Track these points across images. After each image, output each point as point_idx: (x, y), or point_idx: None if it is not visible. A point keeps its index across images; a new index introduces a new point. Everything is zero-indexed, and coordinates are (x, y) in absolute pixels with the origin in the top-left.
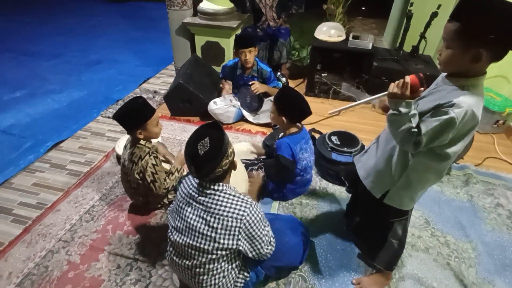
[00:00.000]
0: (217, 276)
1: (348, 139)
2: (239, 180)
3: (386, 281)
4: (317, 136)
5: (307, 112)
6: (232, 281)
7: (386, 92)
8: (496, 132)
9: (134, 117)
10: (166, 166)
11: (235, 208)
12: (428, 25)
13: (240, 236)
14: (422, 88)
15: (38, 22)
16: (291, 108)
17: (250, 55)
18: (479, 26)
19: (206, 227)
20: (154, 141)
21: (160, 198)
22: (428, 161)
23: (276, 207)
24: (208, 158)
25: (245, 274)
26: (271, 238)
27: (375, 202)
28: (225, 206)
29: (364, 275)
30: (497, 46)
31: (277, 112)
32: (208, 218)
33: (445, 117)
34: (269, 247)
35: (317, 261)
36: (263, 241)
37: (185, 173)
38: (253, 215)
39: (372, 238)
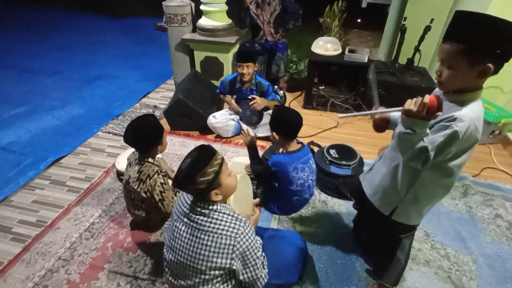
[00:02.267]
0: None
1: (346, 152)
2: (247, 193)
3: None
4: (315, 148)
5: (296, 128)
6: None
7: (401, 108)
8: (493, 143)
9: (154, 136)
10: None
11: (229, 226)
12: (422, 38)
13: (234, 255)
14: (440, 113)
15: (39, 39)
16: (281, 126)
17: (247, 70)
18: (485, 43)
19: (200, 246)
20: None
21: (163, 215)
22: (433, 176)
23: (276, 221)
24: (190, 166)
25: None
26: (265, 263)
27: (383, 218)
28: (219, 224)
29: None
30: (503, 60)
31: (271, 128)
32: (202, 236)
33: (449, 131)
34: (263, 272)
35: (317, 276)
36: (256, 264)
37: None
38: (247, 234)
39: (379, 254)
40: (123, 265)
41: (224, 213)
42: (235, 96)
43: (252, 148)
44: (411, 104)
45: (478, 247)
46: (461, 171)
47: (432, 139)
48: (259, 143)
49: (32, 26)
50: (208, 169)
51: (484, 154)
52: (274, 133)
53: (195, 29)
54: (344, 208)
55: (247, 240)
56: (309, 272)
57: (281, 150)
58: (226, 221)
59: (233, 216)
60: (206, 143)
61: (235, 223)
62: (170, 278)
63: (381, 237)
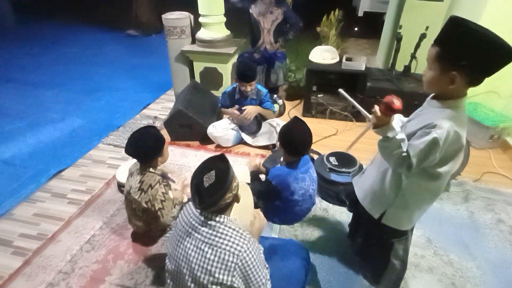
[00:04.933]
0: None
1: (346, 160)
2: (248, 203)
3: None
4: (315, 156)
5: (301, 152)
6: None
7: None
8: (492, 147)
9: (155, 147)
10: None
11: (233, 242)
12: (417, 46)
13: (235, 273)
14: (396, 101)
15: (39, 52)
16: (289, 144)
17: (251, 87)
18: (454, 53)
19: (203, 259)
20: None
21: (163, 226)
22: (421, 181)
23: (277, 230)
24: (212, 190)
25: None
26: (267, 281)
27: (374, 222)
28: (224, 239)
29: None
30: (470, 72)
31: (279, 142)
32: (206, 249)
33: (428, 138)
34: None
35: (320, 285)
36: (258, 282)
37: (185, 200)
38: (250, 252)
39: (374, 260)
40: (124, 277)
41: (229, 228)
42: (237, 106)
43: (255, 172)
44: (372, 119)
45: (481, 253)
46: (462, 176)
47: (414, 146)
48: (258, 151)
49: (32, 40)
50: (234, 184)
51: (484, 158)
52: (280, 146)
53: (194, 40)
54: (345, 215)
55: (250, 259)
56: (312, 281)
57: (281, 158)
58: (231, 237)
59: (238, 231)
60: (206, 153)
61: (239, 240)
62: None
63: (373, 242)
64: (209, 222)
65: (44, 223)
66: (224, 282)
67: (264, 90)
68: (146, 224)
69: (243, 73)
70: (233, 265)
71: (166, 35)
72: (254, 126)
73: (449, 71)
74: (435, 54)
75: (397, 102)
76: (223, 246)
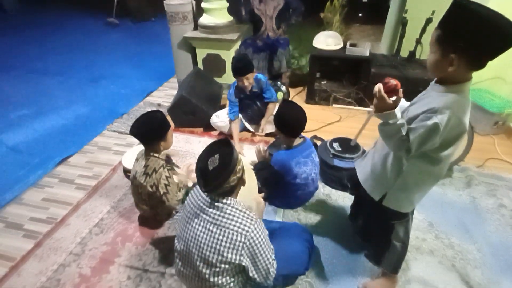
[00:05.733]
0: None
1: (349, 145)
2: (252, 187)
3: (392, 284)
4: (318, 143)
5: (297, 131)
6: None
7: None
8: (496, 133)
9: (158, 130)
10: (178, 170)
11: (240, 223)
12: (423, 30)
13: (243, 252)
14: (396, 83)
15: (43, 40)
16: (284, 125)
17: (248, 81)
18: (452, 34)
19: (211, 239)
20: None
21: (169, 210)
22: (422, 164)
23: (281, 213)
24: (216, 173)
25: (252, 284)
26: (273, 261)
27: (375, 204)
28: (231, 220)
29: (370, 279)
30: (467, 53)
31: (275, 126)
32: (214, 229)
33: (429, 123)
34: (273, 268)
35: (323, 266)
36: (265, 261)
37: (190, 184)
38: (258, 232)
39: (376, 240)
40: (133, 258)
41: (237, 209)
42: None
43: (264, 162)
44: (374, 101)
45: (482, 236)
46: (465, 162)
47: (414, 130)
48: (262, 138)
49: (36, 28)
50: (238, 167)
51: (488, 145)
52: (277, 130)
53: (196, 27)
54: (348, 200)
55: (257, 239)
56: (315, 263)
57: (283, 145)
58: (238, 217)
59: (245, 213)
60: (210, 139)
61: (246, 220)
62: (181, 269)
63: (374, 223)
64: (216, 204)
65: (53, 207)
66: (233, 260)
67: (263, 79)
68: (152, 208)
69: (235, 67)
70: (241, 244)
71: (168, 21)
72: (256, 117)
73: (448, 54)
74: (436, 37)
75: (393, 82)
76: (231, 227)
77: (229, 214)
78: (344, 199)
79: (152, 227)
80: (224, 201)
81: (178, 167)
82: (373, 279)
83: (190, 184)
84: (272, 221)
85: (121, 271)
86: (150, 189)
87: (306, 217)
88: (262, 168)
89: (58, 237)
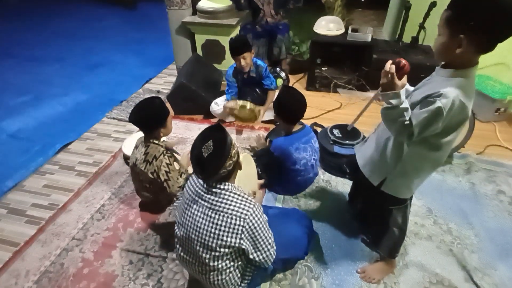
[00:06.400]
0: (222, 272)
1: (349, 132)
2: (251, 174)
3: (390, 268)
4: (319, 130)
5: (296, 116)
6: (239, 275)
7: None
8: (498, 120)
9: (157, 117)
10: (178, 157)
11: (239, 207)
12: (427, 15)
13: (243, 235)
14: (404, 63)
15: (40, 27)
16: (283, 111)
17: (245, 61)
18: (462, 13)
19: (210, 224)
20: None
21: (171, 196)
22: (422, 150)
23: (281, 200)
24: (211, 159)
25: (252, 268)
26: (273, 242)
27: (374, 189)
28: (230, 204)
29: (368, 263)
30: (477, 34)
31: (274, 111)
32: (213, 215)
33: (432, 107)
34: (272, 250)
35: (322, 251)
36: (265, 243)
37: (190, 171)
38: (256, 215)
39: (374, 225)
40: (135, 243)
41: (235, 194)
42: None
43: (265, 148)
44: (382, 78)
45: (480, 222)
46: (465, 149)
47: (417, 114)
48: (262, 125)
49: (33, 14)
50: (233, 151)
51: (489, 131)
52: (276, 116)
53: (195, 11)
54: (348, 187)
55: (256, 222)
56: (314, 248)
57: (282, 132)
58: (236, 202)
59: (243, 197)
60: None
61: (245, 204)
62: (182, 254)
63: (373, 208)
64: (213, 190)
65: (54, 194)
66: (233, 244)
67: (263, 65)
68: (154, 195)
69: (231, 46)
70: (240, 227)
71: (166, 5)
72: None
73: (457, 35)
74: (445, 18)
75: (404, 62)
76: (229, 211)
77: (227, 199)
78: (344, 186)
79: (153, 213)
80: (222, 186)
81: (178, 153)
82: (371, 264)
83: (190, 171)
84: (272, 207)
85: (123, 256)
86: (151, 176)
87: (306, 203)
88: (262, 155)
89: (60, 223)
